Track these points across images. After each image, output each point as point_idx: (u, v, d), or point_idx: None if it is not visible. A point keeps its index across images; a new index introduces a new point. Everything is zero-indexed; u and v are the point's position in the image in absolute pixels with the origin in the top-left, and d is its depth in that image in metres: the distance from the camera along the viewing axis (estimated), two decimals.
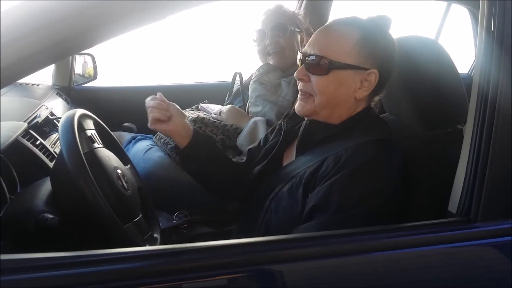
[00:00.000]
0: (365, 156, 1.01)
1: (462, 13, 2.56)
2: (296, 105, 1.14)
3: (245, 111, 1.82)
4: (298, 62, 1.13)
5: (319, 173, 1.05)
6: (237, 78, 1.99)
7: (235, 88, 2.00)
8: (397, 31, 1.16)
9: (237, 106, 1.88)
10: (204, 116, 1.79)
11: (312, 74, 1.09)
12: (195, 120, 1.75)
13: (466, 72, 2.64)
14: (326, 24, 1.14)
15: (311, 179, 1.06)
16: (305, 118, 1.17)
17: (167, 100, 1.22)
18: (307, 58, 1.09)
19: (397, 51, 1.11)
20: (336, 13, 2.22)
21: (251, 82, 1.82)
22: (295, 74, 1.12)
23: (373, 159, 1.01)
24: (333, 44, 1.08)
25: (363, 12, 1.18)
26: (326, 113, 1.11)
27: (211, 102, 1.97)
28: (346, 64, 1.06)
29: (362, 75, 1.08)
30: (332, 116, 1.12)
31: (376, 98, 1.17)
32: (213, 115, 1.80)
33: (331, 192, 0.99)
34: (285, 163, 1.22)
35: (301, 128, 1.18)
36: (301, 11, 1.90)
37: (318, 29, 1.13)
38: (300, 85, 1.12)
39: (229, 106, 1.84)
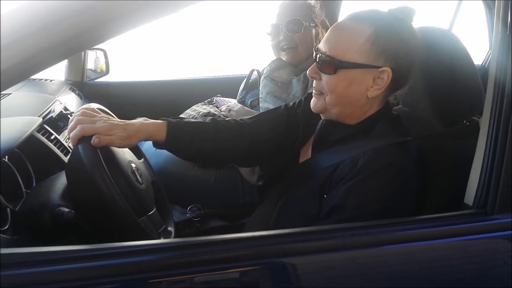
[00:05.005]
0: (382, 162, 1.00)
1: (474, 3, 2.53)
2: (311, 101, 1.14)
3: (259, 104, 1.81)
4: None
5: (335, 175, 1.04)
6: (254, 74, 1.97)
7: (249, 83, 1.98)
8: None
9: (250, 101, 1.88)
10: (215, 112, 1.78)
11: (322, 73, 1.07)
12: (206, 116, 1.75)
13: (480, 63, 2.60)
14: (342, 19, 1.12)
15: (326, 181, 1.05)
16: (320, 116, 1.15)
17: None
18: (318, 56, 1.07)
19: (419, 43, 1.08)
20: (347, 9, 2.17)
21: (262, 78, 1.80)
22: (307, 71, 1.10)
23: (390, 164, 1.00)
24: (342, 42, 1.05)
25: (375, 5, 1.16)
26: (338, 111, 1.09)
27: (224, 96, 1.97)
28: (354, 63, 1.03)
29: (374, 73, 1.04)
30: (344, 115, 1.10)
31: (396, 94, 1.14)
32: (222, 112, 1.79)
33: (349, 195, 0.99)
34: (301, 159, 1.22)
35: (318, 127, 1.17)
36: (317, 3, 1.85)
37: (332, 26, 1.10)
38: (314, 83, 1.11)
39: (238, 105, 1.83)
